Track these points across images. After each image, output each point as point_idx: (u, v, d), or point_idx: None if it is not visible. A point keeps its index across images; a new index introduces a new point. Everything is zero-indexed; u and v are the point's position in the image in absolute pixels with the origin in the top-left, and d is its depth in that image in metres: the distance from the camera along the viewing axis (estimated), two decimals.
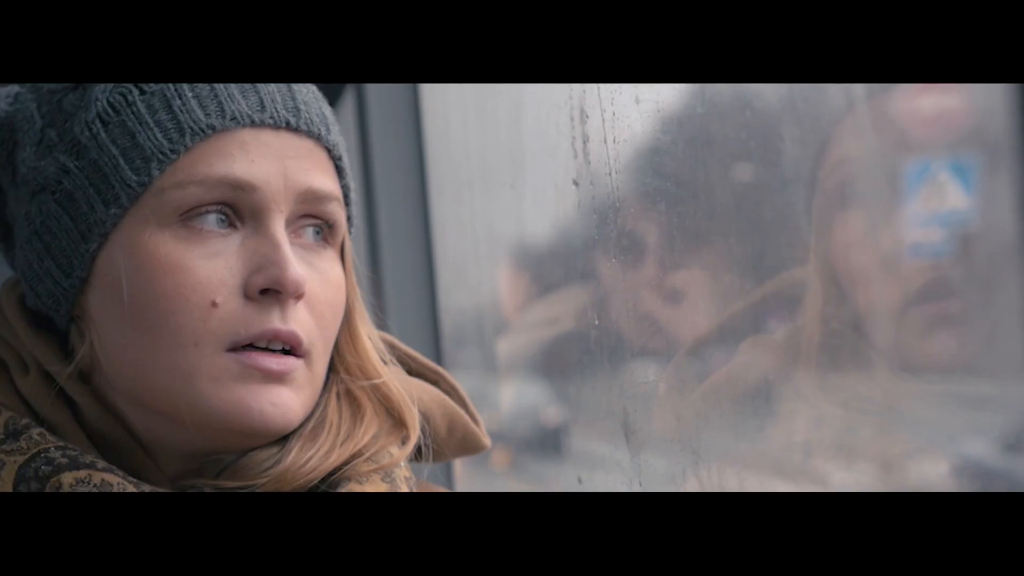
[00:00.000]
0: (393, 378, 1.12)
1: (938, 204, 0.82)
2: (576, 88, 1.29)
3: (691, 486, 1.14)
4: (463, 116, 1.92)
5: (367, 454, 1.08)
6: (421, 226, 2.04)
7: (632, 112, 1.18)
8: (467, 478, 1.96)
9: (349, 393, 1.10)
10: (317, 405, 1.08)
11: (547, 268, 1.70)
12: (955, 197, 0.80)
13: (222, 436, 1.04)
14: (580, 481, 1.58)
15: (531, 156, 1.58)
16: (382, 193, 2.06)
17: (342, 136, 1.11)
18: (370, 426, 1.09)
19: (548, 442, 1.84)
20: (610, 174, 1.23)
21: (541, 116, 1.44)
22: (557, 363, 1.73)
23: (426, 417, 1.15)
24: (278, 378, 1.02)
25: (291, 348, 1.04)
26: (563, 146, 1.35)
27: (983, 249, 0.78)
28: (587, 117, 1.27)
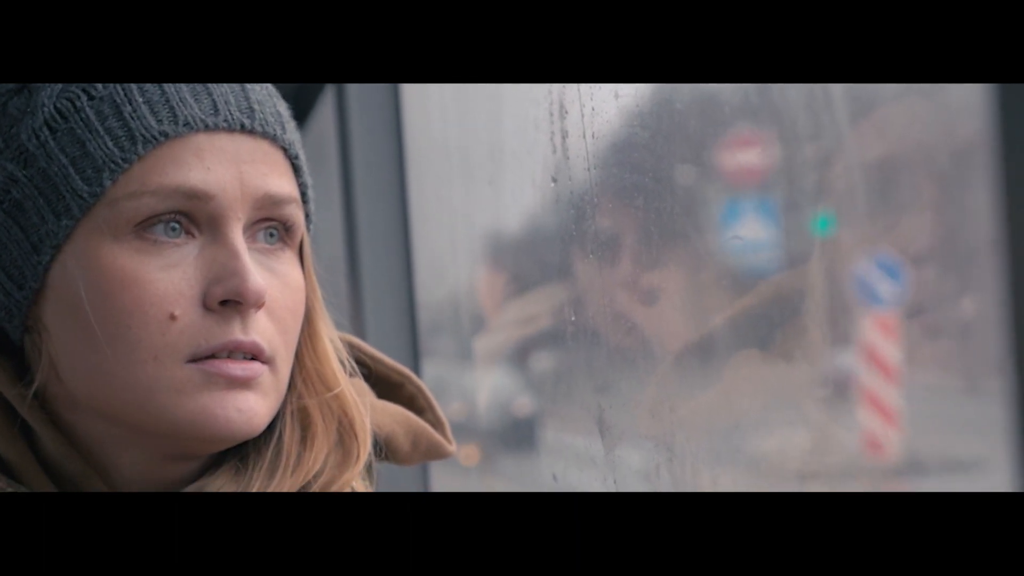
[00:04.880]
0: (350, 387, 1.10)
1: (750, 234, 1.03)
2: (555, 84, 1.28)
3: (665, 482, 1.14)
4: (443, 112, 1.92)
5: (318, 482, 1.06)
6: (400, 221, 2.04)
7: (611, 107, 1.17)
8: (439, 473, 1.96)
9: (302, 409, 1.07)
10: (273, 426, 1.06)
11: (525, 264, 1.70)
12: (761, 229, 1.03)
13: (186, 443, 1.02)
14: (555, 479, 1.58)
15: (510, 152, 1.58)
16: (362, 188, 2.06)
17: (298, 132, 1.09)
18: (320, 450, 1.07)
19: (520, 433, 1.83)
20: (588, 169, 1.23)
21: (520, 112, 1.44)
22: (533, 360, 1.73)
23: (389, 441, 1.14)
24: (243, 383, 1.00)
25: (254, 356, 1.02)
26: (542, 142, 1.34)
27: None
28: (566, 113, 1.27)
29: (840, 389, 0.96)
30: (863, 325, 0.94)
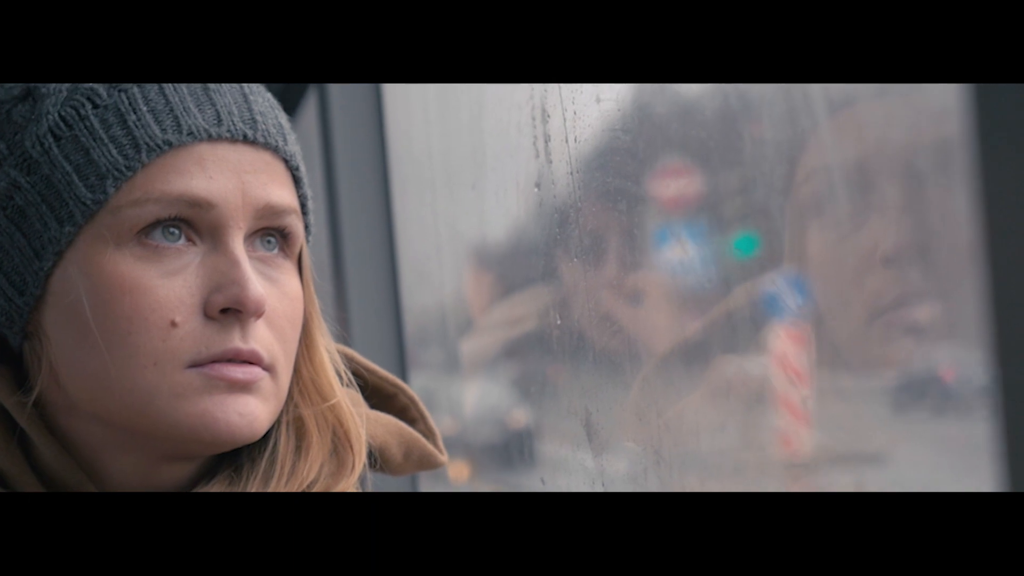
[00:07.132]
0: (345, 399, 1.10)
1: (680, 254, 1.12)
2: (537, 88, 1.28)
3: (653, 487, 1.14)
4: (425, 117, 1.92)
5: (311, 491, 1.07)
6: (384, 227, 2.04)
7: (593, 111, 1.17)
8: (430, 486, 1.96)
9: (298, 419, 1.08)
10: (269, 435, 1.06)
11: (509, 268, 1.70)
12: (689, 250, 1.11)
13: (186, 446, 1.03)
14: (543, 482, 1.58)
15: (492, 156, 1.58)
16: (345, 194, 2.06)
17: (299, 144, 1.09)
18: (315, 460, 1.07)
19: (513, 446, 1.83)
20: (571, 173, 1.23)
21: (502, 116, 1.44)
22: (520, 364, 1.73)
23: (382, 451, 1.14)
24: (244, 387, 1.01)
25: (253, 364, 1.02)
26: (524, 146, 1.34)
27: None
28: (548, 116, 1.27)
29: (760, 392, 1.03)
30: (774, 335, 1.01)
